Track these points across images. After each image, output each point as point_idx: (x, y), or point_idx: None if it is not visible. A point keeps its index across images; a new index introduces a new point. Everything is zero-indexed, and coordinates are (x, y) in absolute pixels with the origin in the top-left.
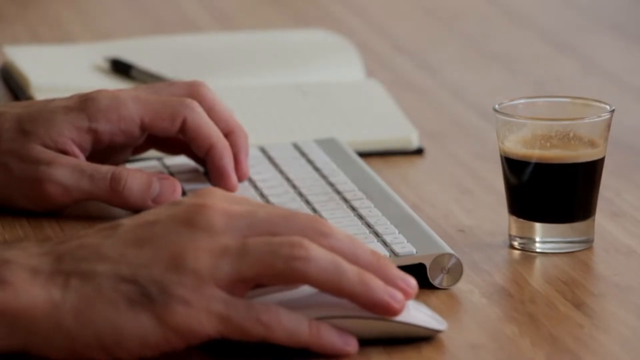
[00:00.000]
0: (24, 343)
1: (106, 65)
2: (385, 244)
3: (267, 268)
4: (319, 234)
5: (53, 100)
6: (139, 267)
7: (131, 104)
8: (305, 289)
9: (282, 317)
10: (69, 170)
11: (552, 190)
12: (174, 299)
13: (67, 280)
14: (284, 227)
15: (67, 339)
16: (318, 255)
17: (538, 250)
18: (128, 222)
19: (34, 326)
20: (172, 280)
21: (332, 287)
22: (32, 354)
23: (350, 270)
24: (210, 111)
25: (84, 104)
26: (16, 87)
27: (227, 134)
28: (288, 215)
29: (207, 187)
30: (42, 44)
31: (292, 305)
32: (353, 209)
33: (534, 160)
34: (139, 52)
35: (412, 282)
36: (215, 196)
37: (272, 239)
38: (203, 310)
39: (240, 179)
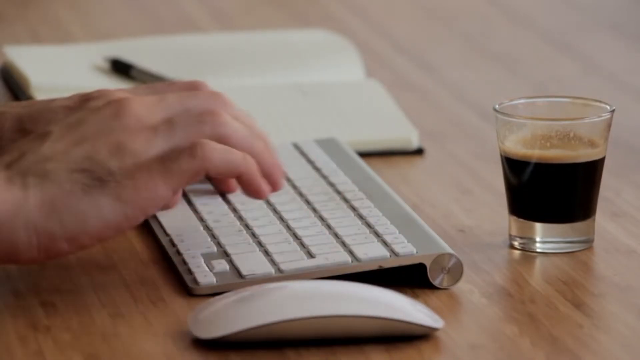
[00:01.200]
0: None
1: (106, 65)
2: (385, 244)
3: (197, 136)
4: (224, 105)
5: (54, 100)
6: (84, 160)
7: None
8: (308, 285)
9: (215, 147)
10: None
11: (552, 190)
12: (122, 177)
13: (24, 180)
14: (195, 103)
15: (33, 234)
16: (231, 119)
17: (538, 250)
18: (55, 127)
19: (2, 227)
20: (116, 163)
21: (244, 148)
22: None
23: (258, 135)
24: None
25: (84, 104)
26: (16, 87)
27: None
28: (194, 93)
29: (102, 89)
30: (42, 44)
31: (297, 299)
32: (353, 209)
33: (534, 160)
34: (139, 52)
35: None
36: (118, 92)
37: (192, 112)
38: (147, 179)
39: None
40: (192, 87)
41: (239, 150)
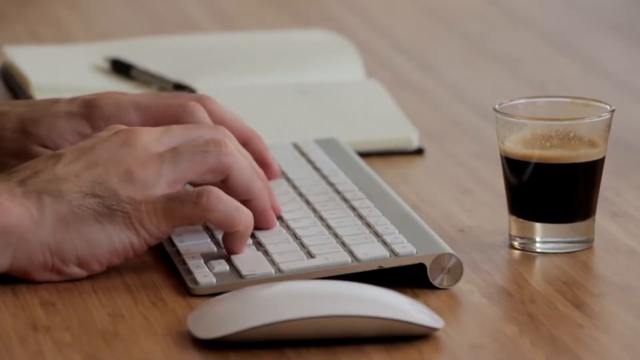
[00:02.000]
0: (11, 261)
1: (106, 65)
2: (385, 244)
3: (200, 166)
4: (226, 137)
5: (57, 101)
6: (96, 184)
7: (133, 110)
8: (308, 285)
9: (220, 198)
10: None
11: (552, 190)
12: (129, 207)
13: (39, 198)
14: (199, 133)
15: (48, 253)
16: (236, 151)
17: (538, 250)
18: (67, 151)
19: (21, 243)
20: (124, 191)
21: (247, 179)
22: (15, 273)
23: (258, 173)
24: (221, 124)
25: (87, 110)
26: (16, 87)
27: (245, 144)
28: (198, 125)
29: (105, 92)
30: (42, 44)
31: (297, 300)
32: (353, 209)
33: (534, 160)
34: (139, 52)
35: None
36: (125, 126)
37: (196, 142)
38: (151, 213)
39: (272, 178)
40: (199, 102)
41: (240, 184)
